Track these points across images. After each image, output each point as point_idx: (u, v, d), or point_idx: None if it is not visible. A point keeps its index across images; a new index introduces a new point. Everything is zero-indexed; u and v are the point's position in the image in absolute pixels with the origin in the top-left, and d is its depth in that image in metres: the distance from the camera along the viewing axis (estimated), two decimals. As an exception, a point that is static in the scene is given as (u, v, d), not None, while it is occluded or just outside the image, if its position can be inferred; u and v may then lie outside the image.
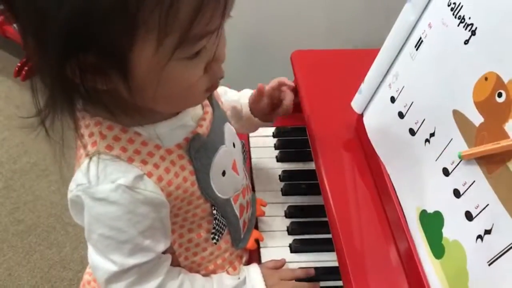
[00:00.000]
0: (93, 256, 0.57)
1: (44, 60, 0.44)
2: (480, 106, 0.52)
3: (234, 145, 0.67)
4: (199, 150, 0.59)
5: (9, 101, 1.81)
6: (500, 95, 0.50)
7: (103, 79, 0.46)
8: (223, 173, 0.63)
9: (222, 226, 0.66)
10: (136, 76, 0.46)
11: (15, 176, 1.56)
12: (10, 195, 1.51)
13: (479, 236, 0.50)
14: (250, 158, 0.91)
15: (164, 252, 0.61)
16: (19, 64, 1.76)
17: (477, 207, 0.51)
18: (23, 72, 1.75)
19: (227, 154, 0.64)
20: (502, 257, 0.46)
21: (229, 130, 0.66)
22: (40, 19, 0.42)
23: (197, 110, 0.61)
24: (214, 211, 0.63)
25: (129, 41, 0.43)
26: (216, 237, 0.65)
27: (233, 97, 0.80)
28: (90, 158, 0.52)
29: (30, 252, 1.38)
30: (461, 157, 0.52)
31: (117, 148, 0.53)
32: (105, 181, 0.52)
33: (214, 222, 0.64)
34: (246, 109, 0.79)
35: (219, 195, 0.63)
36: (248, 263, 0.74)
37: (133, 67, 0.45)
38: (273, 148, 0.94)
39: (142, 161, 0.54)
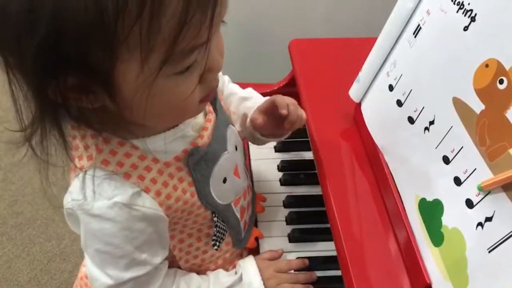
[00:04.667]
0: (90, 266, 0.56)
1: (25, 84, 0.43)
2: (481, 93, 0.52)
3: (236, 148, 0.65)
4: (199, 162, 0.57)
5: (6, 94, 1.80)
6: (501, 81, 0.49)
7: (91, 98, 0.44)
8: (224, 180, 0.62)
9: (223, 231, 0.65)
10: (124, 96, 0.44)
11: (14, 169, 1.56)
12: (8, 187, 1.51)
13: (480, 224, 0.49)
14: (248, 149, 0.91)
15: None
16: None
17: (478, 194, 0.50)
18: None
19: (229, 161, 0.62)
20: (503, 244, 0.46)
21: (232, 133, 0.64)
22: (15, 46, 0.40)
23: (198, 119, 0.59)
24: (215, 218, 0.62)
25: (110, 60, 0.40)
26: (217, 243, 0.65)
27: (249, 104, 0.72)
28: (85, 173, 0.51)
29: (30, 245, 1.38)
30: (480, 189, 0.49)
31: (113, 163, 0.51)
32: (101, 198, 0.51)
33: (215, 229, 0.63)
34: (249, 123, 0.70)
35: (219, 202, 0.62)
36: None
37: (118, 87, 0.43)
38: (272, 139, 0.93)
39: (139, 177, 0.52)
